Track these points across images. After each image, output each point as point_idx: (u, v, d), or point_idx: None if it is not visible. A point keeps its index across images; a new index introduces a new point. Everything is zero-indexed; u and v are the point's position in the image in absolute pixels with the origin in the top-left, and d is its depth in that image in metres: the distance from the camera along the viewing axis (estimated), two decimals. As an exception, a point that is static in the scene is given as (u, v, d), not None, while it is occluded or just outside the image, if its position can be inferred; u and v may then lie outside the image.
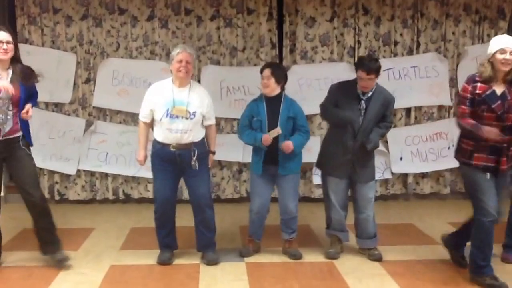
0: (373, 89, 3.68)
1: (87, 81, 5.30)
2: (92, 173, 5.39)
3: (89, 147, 5.31)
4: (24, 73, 3.47)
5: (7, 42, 3.39)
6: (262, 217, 3.87)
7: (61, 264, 3.65)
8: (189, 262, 3.78)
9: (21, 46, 5.14)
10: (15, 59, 3.48)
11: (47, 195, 5.40)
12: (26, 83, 3.46)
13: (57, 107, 5.34)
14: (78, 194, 5.42)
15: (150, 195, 5.37)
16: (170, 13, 5.23)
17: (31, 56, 5.18)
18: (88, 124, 5.32)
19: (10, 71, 3.45)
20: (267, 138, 3.62)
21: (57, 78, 5.23)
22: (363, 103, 3.67)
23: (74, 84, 5.28)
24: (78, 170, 5.35)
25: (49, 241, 3.68)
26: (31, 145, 3.56)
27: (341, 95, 3.71)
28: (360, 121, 3.66)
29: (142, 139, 3.70)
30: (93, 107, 5.30)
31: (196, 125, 3.57)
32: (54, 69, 5.21)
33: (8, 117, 3.38)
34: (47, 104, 5.31)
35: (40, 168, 5.36)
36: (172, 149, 3.54)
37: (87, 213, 5.13)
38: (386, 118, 3.77)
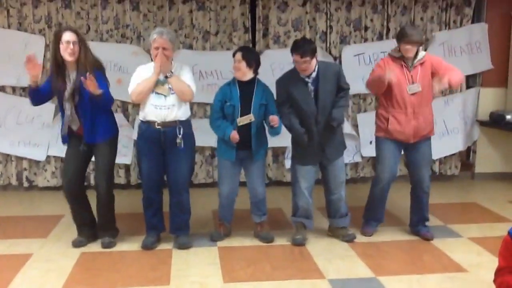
0: (316, 69, 3.70)
1: (56, 64, 5.18)
2: (63, 159, 5.27)
3: (59, 132, 5.19)
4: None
5: (74, 43, 3.48)
6: (232, 201, 3.91)
7: (103, 245, 3.77)
8: (161, 247, 3.80)
9: (-14, 28, 5.06)
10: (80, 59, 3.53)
11: (15, 182, 5.31)
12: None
13: (25, 91, 5.17)
14: (48, 180, 5.33)
15: (122, 180, 5.34)
16: (141, -5, 5.15)
17: (-4, 38, 5.07)
18: (58, 109, 5.17)
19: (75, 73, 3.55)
20: (235, 136, 3.64)
21: (24, 62, 5.08)
22: (310, 86, 3.70)
23: (43, 67, 5.14)
24: (48, 156, 5.26)
25: (103, 227, 3.82)
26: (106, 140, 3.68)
27: (289, 85, 3.71)
28: (313, 103, 3.68)
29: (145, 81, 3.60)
30: (62, 91, 5.19)
31: (179, 101, 3.59)
32: (21, 52, 5.04)
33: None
34: (14, 89, 5.19)
35: (8, 154, 5.26)
36: (157, 127, 3.57)
37: (56, 199, 5.02)
38: (341, 88, 3.76)
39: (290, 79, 3.74)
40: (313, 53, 3.63)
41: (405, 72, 3.75)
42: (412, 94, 3.74)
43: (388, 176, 3.89)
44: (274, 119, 3.63)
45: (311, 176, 3.84)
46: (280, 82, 3.80)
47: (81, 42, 3.55)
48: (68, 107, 3.59)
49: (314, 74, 3.70)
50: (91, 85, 3.39)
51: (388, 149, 3.87)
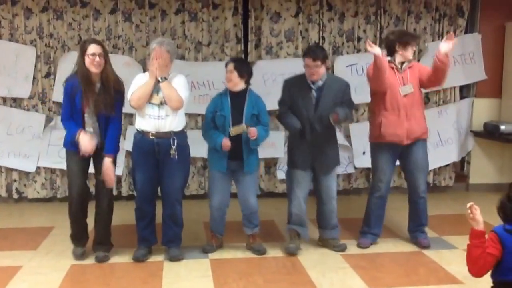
0: (324, 79, 3.74)
1: (47, 75, 5.14)
2: (53, 170, 5.24)
3: (49, 143, 5.15)
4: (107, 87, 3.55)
5: (99, 55, 3.47)
6: (223, 212, 3.87)
7: (98, 259, 3.69)
8: (152, 259, 3.74)
9: (-24, 39, 5.03)
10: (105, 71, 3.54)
11: (4, 194, 5.24)
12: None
13: (16, 102, 5.17)
14: (38, 192, 5.26)
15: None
16: (133, 6, 5.12)
17: (-13, 49, 5.03)
18: (48, 120, 5.16)
19: (99, 84, 3.54)
20: (226, 144, 3.61)
21: (15, 72, 5.05)
22: (313, 92, 3.73)
23: (34, 78, 5.11)
24: (38, 167, 5.20)
25: (100, 241, 3.75)
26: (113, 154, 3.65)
27: (293, 87, 3.78)
28: (313, 110, 3.70)
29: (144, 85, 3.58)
30: (53, 102, 5.13)
31: (173, 112, 3.56)
32: (13, 63, 5.04)
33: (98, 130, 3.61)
34: (5, 99, 5.13)
35: (-3, 165, 5.21)
36: (151, 137, 3.54)
37: (46, 211, 4.98)
38: (346, 102, 3.82)
39: (296, 82, 3.81)
40: (324, 59, 3.70)
41: (396, 74, 3.79)
42: (405, 96, 3.77)
43: (385, 184, 3.90)
44: (252, 131, 3.62)
45: (306, 183, 3.82)
46: (286, 82, 3.87)
47: (106, 55, 3.55)
48: (92, 118, 3.55)
49: (320, 83, 3.73)
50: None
51: (383, 157, 3.88)
